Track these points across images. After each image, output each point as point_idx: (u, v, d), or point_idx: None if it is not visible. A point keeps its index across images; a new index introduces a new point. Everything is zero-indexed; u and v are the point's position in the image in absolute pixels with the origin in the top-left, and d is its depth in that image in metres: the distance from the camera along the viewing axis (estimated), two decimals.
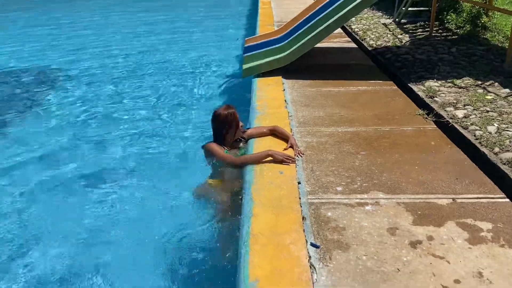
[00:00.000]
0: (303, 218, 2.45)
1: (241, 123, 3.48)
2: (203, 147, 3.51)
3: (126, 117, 5.92)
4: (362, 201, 2.64)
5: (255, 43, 6.25)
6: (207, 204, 3.50)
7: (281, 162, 3.07)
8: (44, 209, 3.90)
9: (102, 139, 5.23)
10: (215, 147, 3.33)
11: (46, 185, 4.25)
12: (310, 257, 2.13)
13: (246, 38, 6.94)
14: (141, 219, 3.60)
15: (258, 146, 3.38)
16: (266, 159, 3.10)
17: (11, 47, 10.78)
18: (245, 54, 5.81)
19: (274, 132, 3.53)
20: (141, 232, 3.43)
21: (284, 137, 3.44)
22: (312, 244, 2.23)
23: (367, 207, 2.57)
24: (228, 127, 3.38)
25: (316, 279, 1.99)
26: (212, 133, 3.52)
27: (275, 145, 3.35)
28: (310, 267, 2.05)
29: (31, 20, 14.67)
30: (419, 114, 3.99)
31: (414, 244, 2.23)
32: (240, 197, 3.36)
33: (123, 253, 3.22)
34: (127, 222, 3.58)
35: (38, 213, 3.83)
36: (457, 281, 1.97)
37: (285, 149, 3.27)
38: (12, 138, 5.40)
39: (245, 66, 5.45)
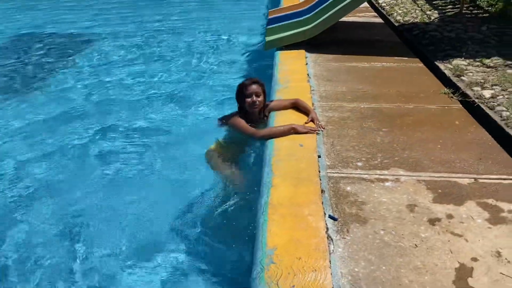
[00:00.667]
0: (322, 191, 2.47)
1: (255, 99, 3.37)
2: (226, 120, 3.52)
3: (144, 87, 5.97)
4: (382, 177, 2.64)
5: (279, 15, 6.15)
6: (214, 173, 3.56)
7: (305, 133, 3.09)
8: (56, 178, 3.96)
9: (114, 114, 5.23)
10: (237, 119, 3.35)
11: (54, 156, 4.29)
12: (327, 228, 2.16)
13: (269, 10, 6.83)
14: (153, 193, 3.66)
15: (279, 119, 3.37)
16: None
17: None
18: (269, 26, 5.73)
19: (296, 105, 3.52)
20: (154, 207, 3.49)
21: (305, 111, 3.43)
22: (330, 216, 2.25)
23: (387, 183, 2.57)
24: (239, 99, 3.46)
25: (333, 250, 2.02)
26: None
27: (297, 119, 3.34)
28: (328, 238, 2.08)
29: None
30: (444, 93, 3.90)
31: (433, 222, 2.23)
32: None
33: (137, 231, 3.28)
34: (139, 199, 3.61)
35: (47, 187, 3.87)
36: (474, 259, 1.97)
37: (306, 123, 3.26)
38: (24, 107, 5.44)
39: (268, 39, 5.38)
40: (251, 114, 3.44)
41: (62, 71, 6.70)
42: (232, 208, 3.22)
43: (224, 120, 3.66)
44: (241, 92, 3.40)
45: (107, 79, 6.31)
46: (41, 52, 7.72)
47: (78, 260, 3.02)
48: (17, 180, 3.94)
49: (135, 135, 4.68)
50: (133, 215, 3.42)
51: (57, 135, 4.69)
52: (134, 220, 3.38)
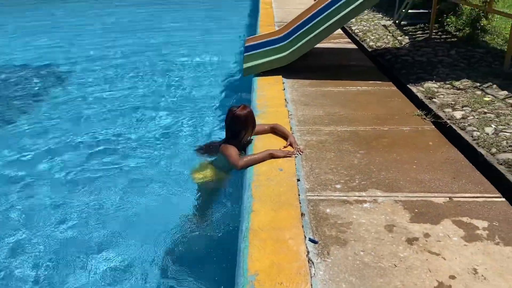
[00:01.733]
0: (302, 214, 2.49)
1: None
2: (215, 148, 3.48)
3: (128, 115, 5.97)
4: (360, 198, 2.68)
5: (255, 42, 6.28)
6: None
7: (283, 157, 3.13)
8: (53, 196, 3.97)
9: (107, 131, 5.29)
10: (233, 150, 3.23)
11: (54, 173, 4.33)
12: (308, 252, 2.17)
13: (246, 38, 6.98)
14: (143, 214, 3.66)
15: (259, 144, 3.41)
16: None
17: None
18: (246, 54, 5.84)
19: (274, 130, 3.58)
20: (141, 227, 3.48)
21: (283, 135, 3.48)
22: (310, 240, 2.27)
23: (365, 205, 2.61)
24: (247, 128, 3.37)
25: (314, 273, 2.03)
26: (225, 132, 3.47)
27: (276, 143, 3.39)
28: (309, 262, 2.09)
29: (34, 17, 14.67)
30: (417, 115, 4.03)
31: (411, 241, 2.27)
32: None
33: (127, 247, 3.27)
34: (128, 217, 3.63)
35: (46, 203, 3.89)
36: (452, 277, 2.01)
37: (284, 147, 3.31)
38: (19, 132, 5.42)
39: (245, 65, 5.48)
40: (242, 143, 3.42)
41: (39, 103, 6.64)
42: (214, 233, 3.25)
43: (212, 148, 3.62)
44: (248, 121, 3.34)
45: (88, 104, 6.30)
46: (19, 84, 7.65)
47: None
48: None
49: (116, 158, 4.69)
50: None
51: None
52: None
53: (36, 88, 7.31)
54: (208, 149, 3.70)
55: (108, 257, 3.20)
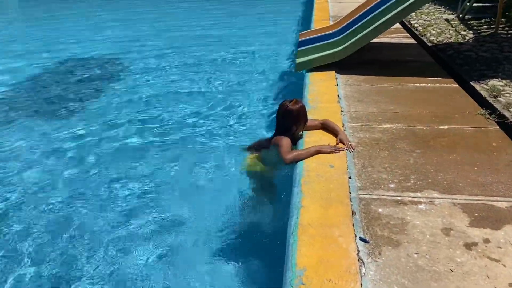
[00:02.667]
0: (353, 212, 2.43)
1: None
2: (271, 140, 3.48)
3: (180, 108, 6.14)
4: (415, 199, 2.58)
5: (309, 37, 6.22)
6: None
7: (330, 153, 3.09)
8: (92, 191, 4.17)
9: (149, 131, 5.46)
10: (286, 141, 3.21)
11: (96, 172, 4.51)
12: (358, 251, 2.12)
13: (300, 32, 6.92)
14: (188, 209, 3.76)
15: (309, 140, 3.38)
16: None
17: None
18: (299, 48, 5.80)
19: (325, 126, 3.52)
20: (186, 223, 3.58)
21: (334, 132, 3.41)
22: (361, 239, 2.22)
23: (420, 206, 2.51)
24: (299, 123, 3.36)
25: (364, 273, 1.98)
26: (276, 125, 3.45)
27: (327, 139, 3.34)
28: (359, 261, 2.04)
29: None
30: (480, 114, 3.80)
31: (469, 246, 2.15)
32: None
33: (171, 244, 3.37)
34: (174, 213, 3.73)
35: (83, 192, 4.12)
36: None
37: (336, 144, 3.25)
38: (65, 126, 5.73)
39: (298, 60, 5.44)
40: (296, 136, 3.41)
41: (98, 94, 6.99)
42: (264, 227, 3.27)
43: (262, 144, 3.63)
44: (300, 116, 3.34)
45: (143, 99, 6.55)
46: (80, 75, 8.09)
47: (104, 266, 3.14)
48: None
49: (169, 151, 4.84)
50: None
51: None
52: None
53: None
54: (258, 146, 3.71)
55: (162, 247, 3.33)
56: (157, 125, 5.59)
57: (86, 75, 8.03)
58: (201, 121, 5.64)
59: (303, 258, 2.05)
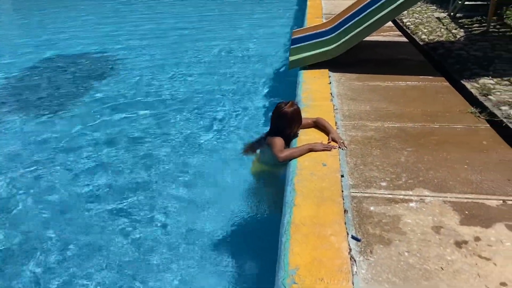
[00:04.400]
0: (345, 211, 2.45)
1: None
2: (265, 138, 3.49)
3: (173, 105, 6.12)
4: (406, 197, 2.60)
5: (302, 35, 6.21)
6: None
7: (322, 151, 3.11)
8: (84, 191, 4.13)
9: (145, 128, 5.43)
10: (278, 140, 3.25)
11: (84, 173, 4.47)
12: (350, 249, 2.13)
13: (293, 30, 6.92)
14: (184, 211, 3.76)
15: (303, 138, 3.39)
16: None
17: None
18: (292, 46, 5.80)
19: (317, 124, 3.53)
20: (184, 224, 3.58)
21: (326, 130, 3.42)
22: (353, 237, 2.23)
23: (412, 204, 2.53)
24: (293, 125, 3.38)
25: (356, 272, 1.99)
26: (270, 126, 3.48)
27: (320, 138, 3.35)
28: (351, 259, 2.06)
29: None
30: (471, 112, 3.84)
31: (460, 244, 2.18)
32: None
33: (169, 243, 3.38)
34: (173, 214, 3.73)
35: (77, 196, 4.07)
36: (503, 284, 1.91)
37: (328, 142, 3.26)
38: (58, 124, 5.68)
39: (291, 58, 5.44)
40: (288, 136, 3.43)
41: (88, 92, 6.93)
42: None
43: (257, 143, 3.65)
44: (295, 118, 3.36)
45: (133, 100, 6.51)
46: (68, 73, 8.01)
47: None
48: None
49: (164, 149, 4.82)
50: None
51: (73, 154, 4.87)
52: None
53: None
54: (253, 146, 3.71)
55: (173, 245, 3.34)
56: (149, 122, 5.57)
57: (73, 72, 7.95)
58: (193, 119, 5.63)
59: (296, 257, 2.06)
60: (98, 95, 6.68)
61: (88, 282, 3.00)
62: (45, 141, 5.14)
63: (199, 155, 4.66)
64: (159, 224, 3.57)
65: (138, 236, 3.43)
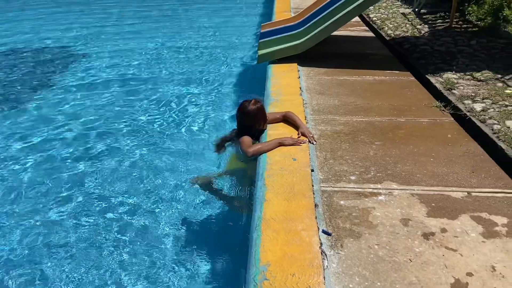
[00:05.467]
0: (316, 205, 2.45)
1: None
2: (235, 138, 3.46)
3: (137, 103, 5.96)
4: (375, 191, 2.63)
5: (271, 29, 6.18)
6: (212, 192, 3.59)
7: (291, 145, 3.09)
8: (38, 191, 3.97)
9: (109, 127, 5.26)
10: (246, 138, 3.23)
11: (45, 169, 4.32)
12: (321, 244, 2.13)
13: (262, 24, 6.88)
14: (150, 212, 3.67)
15: (272, 133, 3.36)
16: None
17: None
18: (261, 40, 5.76)
19: (286, 119, 3.52)
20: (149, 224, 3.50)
21: (294, 125, 3.41)
22: (323, 231, 2.23)
23: (380, 197, 2.56)
24: (256, 123, 3.35)
25: (327, 266, 1.99)
26: (236, 124, 3.45)
27: (290, 132, 3.33)
28: (321, 254, 2.05)
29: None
30: (436, 106, 3.93)
31: (427, 236, 2.22)
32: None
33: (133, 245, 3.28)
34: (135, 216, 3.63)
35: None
36: (469, 274, 1.96)
37: (298, 137, 3.25)
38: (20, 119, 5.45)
39: (260, 52, 5.40)
40: (256, 133, 3.39)
41: (48, 87, 6.67)
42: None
43: (227, 139, 3.61)
44: (259, 116, 3.34)
45: (95, 96, 6.30)
46: (26, 67, 7.68)
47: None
48: None
49: (126, 151, 4.68)
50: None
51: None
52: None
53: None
54: (223, 144, 3.67)
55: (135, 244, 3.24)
56: (114, 120, 5.41)
57: (34, 67, 7.63)
58: (160, 115, 5.51)
59: (267, 253, 2.04)
60: (57, 90, 6.43)
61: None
62: None
63: (166, 153, 4.56)
64: (122, 224, 3.47)
65: (103, 239, 3.32)
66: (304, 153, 3.04)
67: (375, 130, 3.46)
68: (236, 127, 3.48)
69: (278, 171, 2.80)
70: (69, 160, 4.44)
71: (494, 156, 3.05)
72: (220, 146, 3.61)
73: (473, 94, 4.17)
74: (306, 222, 2.27)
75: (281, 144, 3.11)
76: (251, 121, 3.32)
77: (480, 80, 4.57)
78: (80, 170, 4.25)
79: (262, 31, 6.27)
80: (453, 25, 7.15)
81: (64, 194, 3.86)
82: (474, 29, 6.90)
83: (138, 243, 3.26)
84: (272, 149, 3.07)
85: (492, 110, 3.78)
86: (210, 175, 3.77)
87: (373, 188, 2.65)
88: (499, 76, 4.67)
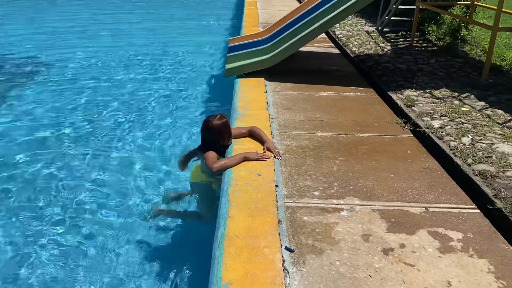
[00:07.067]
0: (279, 221, 2.46)
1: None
2: (199, 153, 3.45)
3: (104, 117, 5.84)
4: (338, 206, 2.67)
5: (239, 43, 6.23)
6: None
7: (256, 160, 3.11)
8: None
9: (75, 139, 5.16)
10: (210, 153, 3.22)
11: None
12: (284, 261, 2.14)
13: (230, 38, 6.92)
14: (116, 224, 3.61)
15: (238, 147, 3.37)
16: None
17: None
18: (229, 54, 5.79)
19: (252, 134, 3.53)
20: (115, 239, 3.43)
21: (260, 140, 3.43)
22: (286, 248, 2.24)
23: (343, 213, 2.60)
24: (220, 139, 3.34)
25: (289, 283, 2.00)
26: (201, 139, 3.43)
27: (256, 147, 3.35)
28: (284, 271, 2.06)
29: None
30: (397, 123, 4.06)
31: (387, 251, 2.27)
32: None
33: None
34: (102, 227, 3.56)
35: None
36: None
37: (263, 152, 3.27)
38: None
39: (228, 66, 5.43)
40: (220, 149, 3.38)
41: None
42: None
43: (194, 155, 3.60)
44: (224, 131, 3.33)
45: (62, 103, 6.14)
46: None
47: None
48: None
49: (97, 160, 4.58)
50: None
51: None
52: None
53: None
54: (186, 161, 3.66)
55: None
56: (82, 127, 5.29)
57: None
58: (126, 127, 5.42)
59: (229, 272, 2.03)
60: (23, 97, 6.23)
61: None
62: None
63: (131, 164, 4.49)
64: (84, 240, 3.38)
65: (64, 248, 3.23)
66: (269, 168, 3.06)
67: (339, 145, 3.54)
68: (198, 146, 3.47)
69: (243, 186, 2.80)
70: (29, 167, 4.30)
71: (451, 172, 3.18)
72: (184, 163, 3.59)
73: (431, 111, 4.33)
74: (269, 239, 2.28)
75: (246, 159, 3.12)
76: (215, 136, 3.32)
77: (438, 98, 4.77)
78: (36, 176, 4.14)
79: (230, 45, 6.31)
80: (414, 44, 7.44)
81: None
82: (433, 48, 7.21)
83: (95, 265, 3.18)
84: (237, 164, 3.07)
85: (449, 127, 3.95)
86: (174, 197, 3.75)
87: (336, 204, 2.70)
88: (456, 94, 4.89)
